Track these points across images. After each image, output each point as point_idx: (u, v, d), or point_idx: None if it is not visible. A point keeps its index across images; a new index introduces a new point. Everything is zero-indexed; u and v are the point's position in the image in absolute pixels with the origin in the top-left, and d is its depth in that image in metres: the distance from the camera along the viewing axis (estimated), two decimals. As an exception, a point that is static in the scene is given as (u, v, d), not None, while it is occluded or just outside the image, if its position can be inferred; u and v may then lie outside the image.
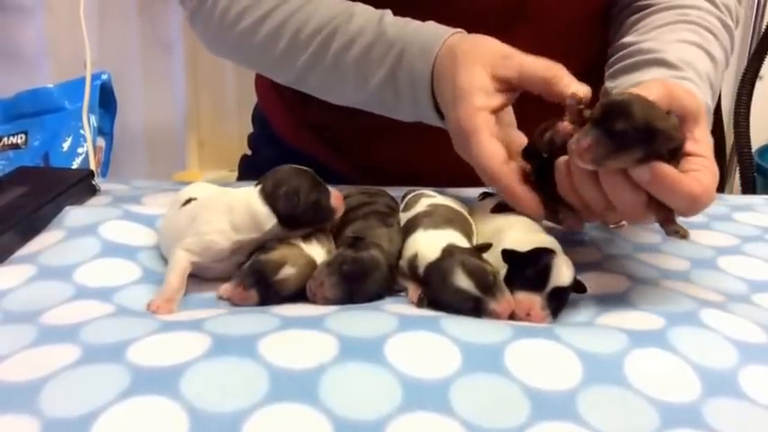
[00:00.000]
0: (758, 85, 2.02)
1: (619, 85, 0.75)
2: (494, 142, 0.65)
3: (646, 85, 0.62)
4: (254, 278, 0.58)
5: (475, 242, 0.65)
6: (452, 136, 0.69)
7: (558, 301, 0.57)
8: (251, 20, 0.80)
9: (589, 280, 0.64)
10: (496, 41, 0.70)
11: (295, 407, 0.43)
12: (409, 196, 0.72)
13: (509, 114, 0.70)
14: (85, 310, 0.55)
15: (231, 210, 0.61)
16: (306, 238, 0.62)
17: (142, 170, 2.38)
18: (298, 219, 0.61)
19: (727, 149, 2.13)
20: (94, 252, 0.64)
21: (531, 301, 0.56)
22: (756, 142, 2.07)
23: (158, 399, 0.43)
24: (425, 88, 0.72)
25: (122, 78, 2.26)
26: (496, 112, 0.67)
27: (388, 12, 0.77)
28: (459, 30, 0.73)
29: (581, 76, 0.66)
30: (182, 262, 0.60)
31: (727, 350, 0.52)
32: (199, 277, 0.63)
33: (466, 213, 0.68)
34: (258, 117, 1.13)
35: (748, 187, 1.91)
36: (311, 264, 0.59)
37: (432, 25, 0.75)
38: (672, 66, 0.74)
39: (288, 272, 0.58)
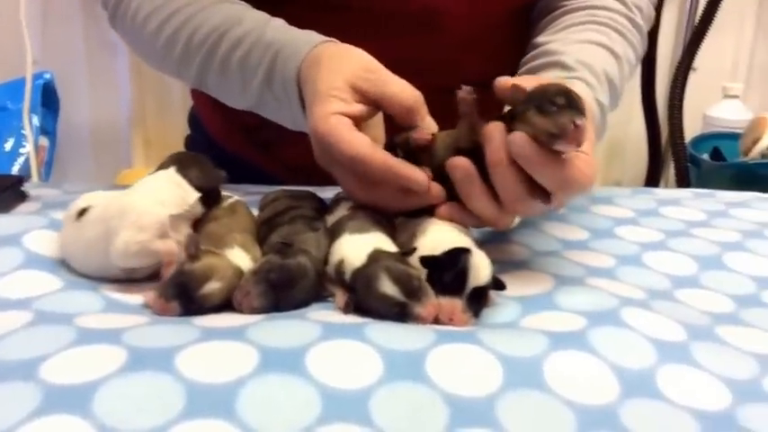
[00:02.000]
0: (692, 76, 2.05)
1: None
2: (356, 132, 0.64)
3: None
4: (177, 290, 0.56)
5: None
6: (313, 145, 0.67)
7: (479, 301, 0.57)
8: (155, 24, 0.80)
9: (515, 279, 0.64)
10: (366, 54, 0.69)
11: (211, 423, 0.42)
12: (332, 200, 0.71)
13: (376, 130, 0.69)
14: (4, 323, 0.53)
15: (155, 191, 0.63)
16: (231, 245, 0.60)
17: (88, 169, 2.34)
18: (215, 192, 0.66)
19: (662, 141, 2.15)
20: (16, 263, 0.62)
21: (452, 305, 0.55)
22: (690, 133, 2.09)
23: (69, 418, 0.41)
24: (295, 92, 0.72)
25: (66, 77, 2.22)
26: (356, 120, 0.65)
27: (278, 19, 0.77)
28: (332, 39, 0.73)
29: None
30: (149, 233, 0.60)
31: (645, 350, 0.52)
32: (127, 281, 0.62)
33: (389, 214, 0.67)
34: (193, 119, 1.11)
35: (683, 178, 1.93)
36: (238, 274, 0.58)
37: (308, 32, 0.74)
38: (567, 67, 0.75)
39: (213, 286, 0.56)
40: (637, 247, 0.74)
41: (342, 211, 0.66)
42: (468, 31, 0.88)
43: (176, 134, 2.22)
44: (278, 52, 0.73)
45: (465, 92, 0.61)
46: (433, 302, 0.55)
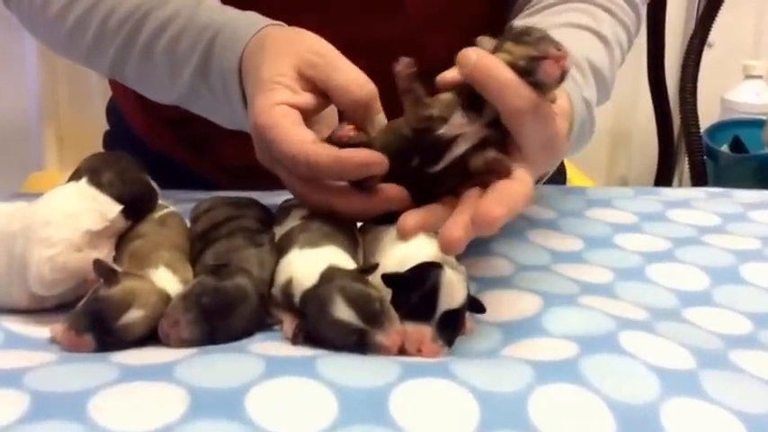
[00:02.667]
0: (707, 53, 2.06)
1: None
2: (299, 127, 0.64)
3: None
4: (90, 321, 0.55)
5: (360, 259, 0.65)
6: (254, 141, 0.68)
7: (453, 327, 0.57)
8: (59, 4, 0.80)
9: (496, 299, 0.64)
10: (316, 38, 0.69)
11: (131, 480, 0.42)
12: (280, 207, 0.72)
13: (329, 124, 0.69)
14: None
15: (65, 204, 0.62)
16: (156, 264, 0.60)
17: (-8, 170, 2.32)
18: (141, 201, 0.65)
19: (674, 130, 2.17)
20: None
21: (420, 332, 0.56)
22: (706, 121, 2.11)
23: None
24: (235, 83, 0.72)
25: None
26: (305, 112, 0.66)
27: None
28: (279, 22, 0.74)
29: None
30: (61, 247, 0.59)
31: (647, 381, 0.52)
32: (29, 313, 0.62)
33: (350, 224, 0.68)
34: (113, 111, 1.12)
35: (698, 174, 1.94)
36: (164, 300, 0.58)
37: (250, 13, 0.75)
38: None
39: (134, 315, 0.56)
40: (639, 259, 0.75)
41: (293, 222, 0.66)
42: (433, 10, 0.89)
43: (94, 130, 2.20)
44: (215, 36, 0.74)
45: (403, 65, 0.61)
46: (397, 329, 0.56)
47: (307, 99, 0.66)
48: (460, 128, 0.61)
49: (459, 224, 0.57)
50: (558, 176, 1.16)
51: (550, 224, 0.82)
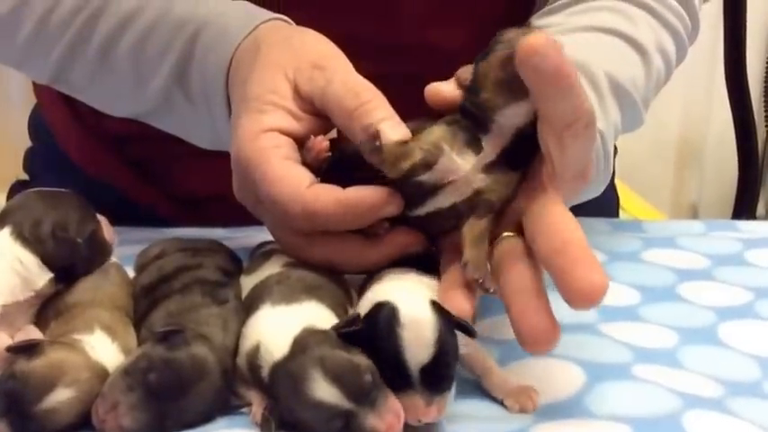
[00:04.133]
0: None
1: None
2: (295, 166, 0.63)
3: None
4: (4, 404, 0.54)
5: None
6: (234, 175, 0.67)
7: (440, 375, 0.55)
8: None
9: (526, 370, 0.64)
10: (323, 41, 0.69)
11: None
12: (257, 252, 0.71)
13: None
14: None
15: None
16: (90, 328, 0.60)
17: None
18: (77, 265, 0.63)
19: (759, 144, 2.16)
20: None
21: (412, 403, 0.54)
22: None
23: None
24: (221, 94, 0.72)
25: None
26: (301, 141, 0.65)
27: None
28: (281, 16, 0.73)
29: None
30: None
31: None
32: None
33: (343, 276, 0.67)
34: (37, 124, 1.12)
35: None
36: (100, 375, 0.57)
37: (243, 3, 0.74)
38: None
39: (60, 396, 0.55)
40: (710, 315, 0.74)
41: (270, 269, 0.66)
42: (431, 8, 0.89)
43: (14, 146, 2.21)
44: (197, 34, 0.73)
45: (367, 138, 0.60)
46: (392, 407, 0.54)
47: (308, 127, 0.66)
48: (450, 174, 0.60)
49: (540, 309, 0.56)
50: (608, 204, 1.15)
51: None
